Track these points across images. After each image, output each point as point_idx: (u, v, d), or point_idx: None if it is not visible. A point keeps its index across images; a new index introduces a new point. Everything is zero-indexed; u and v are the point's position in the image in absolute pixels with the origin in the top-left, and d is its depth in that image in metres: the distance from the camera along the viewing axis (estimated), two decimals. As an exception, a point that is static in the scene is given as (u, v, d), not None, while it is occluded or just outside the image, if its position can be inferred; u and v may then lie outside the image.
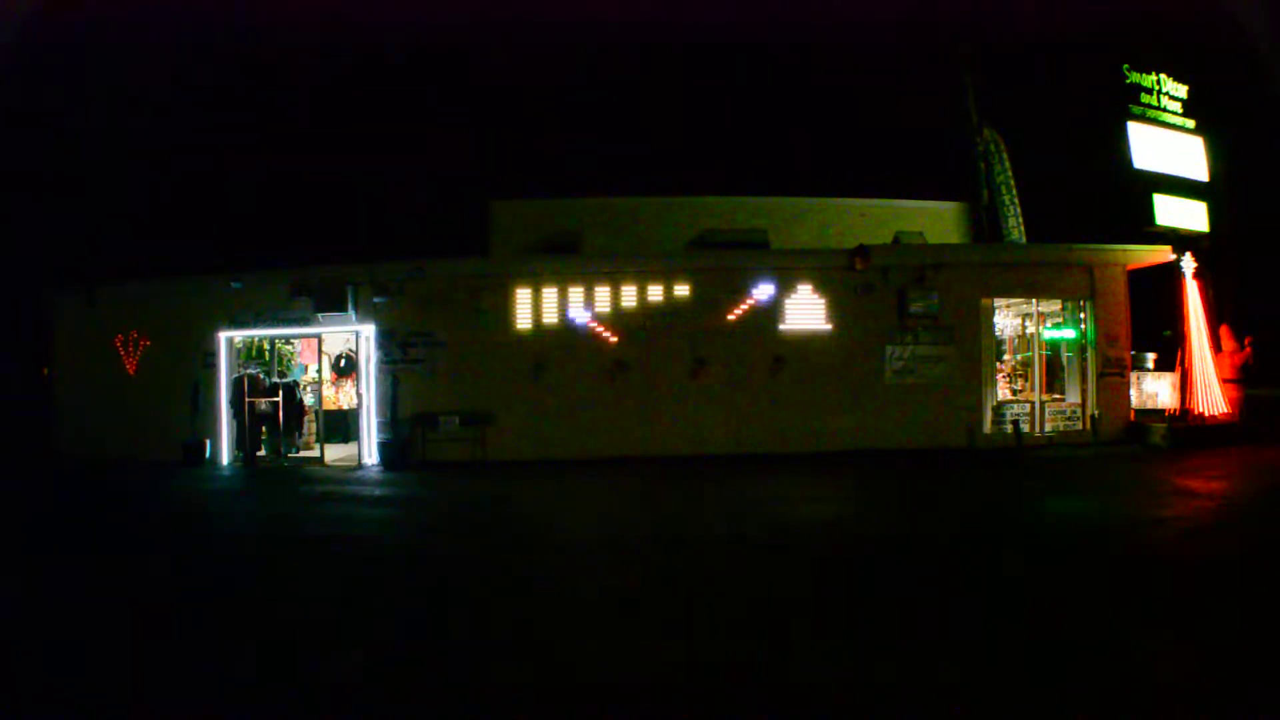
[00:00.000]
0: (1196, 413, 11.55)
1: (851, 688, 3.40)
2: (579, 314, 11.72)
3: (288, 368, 13.68)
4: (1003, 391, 12.51)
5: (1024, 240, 15.36)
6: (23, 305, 14.99)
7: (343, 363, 14.22)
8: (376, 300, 11.83)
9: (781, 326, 11.75)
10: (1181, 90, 12.30)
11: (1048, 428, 11.99)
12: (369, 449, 11.77)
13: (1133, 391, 12.46)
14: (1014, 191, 15.82)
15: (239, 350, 12.59)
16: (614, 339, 11.67)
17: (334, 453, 12.63)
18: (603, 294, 11.80)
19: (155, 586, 5.40)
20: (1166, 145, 12.11)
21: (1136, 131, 11.82)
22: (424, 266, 11.83)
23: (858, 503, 8.28)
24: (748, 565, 5.59)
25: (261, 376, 12.31)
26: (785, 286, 11.76)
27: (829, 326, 11.75)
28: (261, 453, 12.31)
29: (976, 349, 11.81)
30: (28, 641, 4.29)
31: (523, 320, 11.82)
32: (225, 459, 12.09)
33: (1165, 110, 12.15)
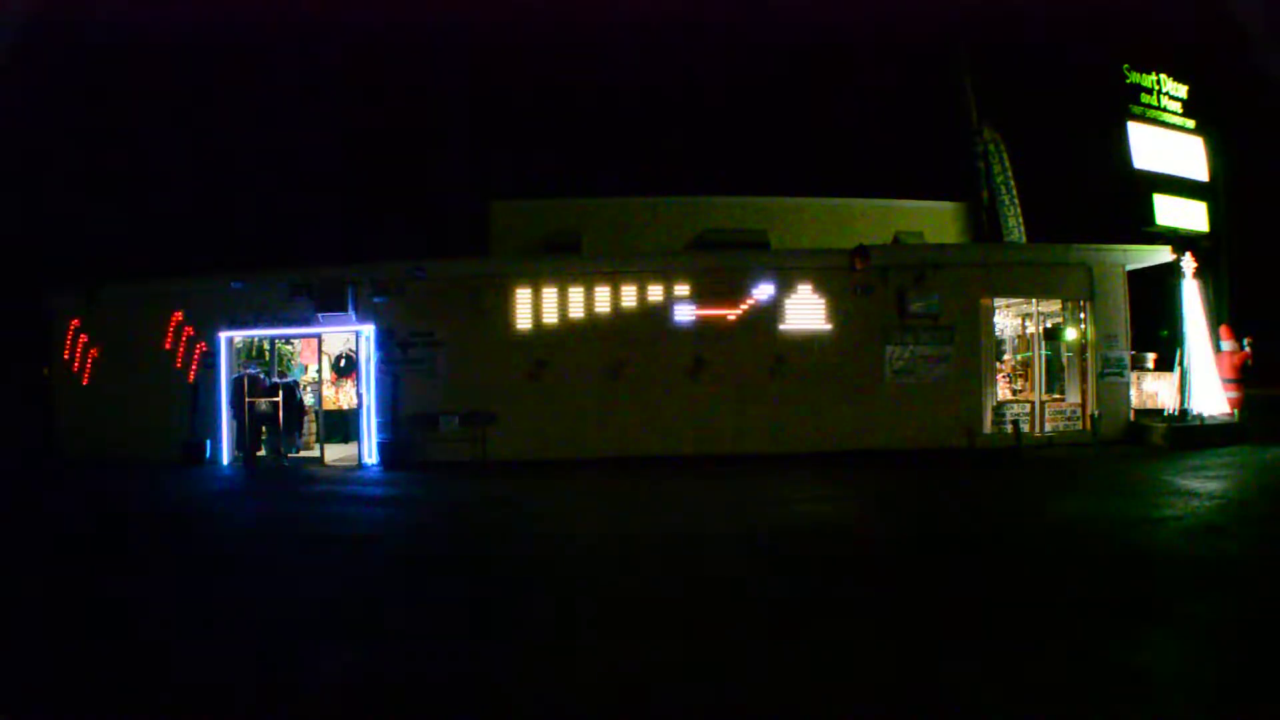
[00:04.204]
0: (1196, 413, 11.54)
1: (855, 687, 3.41)
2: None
3: (288, 368, 13.68)
4: (1003, 391, 12.51)
5: (1024, 240, 15.36)
6: (23, 305, 14.99)
7: (343, 363, 14.23)
8: (376, 300, 11.83)
9: (781, 326, 11.75)
10: (1181, 90, 12.28)
11: (1048, 428, 11.98)
12: (369, 449, 11.77)
13: (1133, 391, 12.45)
14: (1014, 191, 15.82)
15: (239, 350, 12.58)
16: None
17: (334, 453, 12.63)
18: (603, 294, 11.80)
19: (153, 586, 5.40)
20: (1166, 145, 12.09)
21: (1136, 131, 11.80)
22: (424, 266, 11.83)
23: (859, 503, 8.28)
24: (749, 567, 5.59)
25: (261, 376, 12.30)
26: (785, 286, 11.76)
27: (829, 326, 11.75)
28: (261, 453, 12.30)
29: (976, 349, 11.80)
30: (25, 640, 4.29)
31: (523, 320, 11.81)
32: (225, 459, 12.09)
33: (1165, 110, 12.13)
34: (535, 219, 15.16)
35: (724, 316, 11.74)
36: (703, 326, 11.71)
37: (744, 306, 11.76)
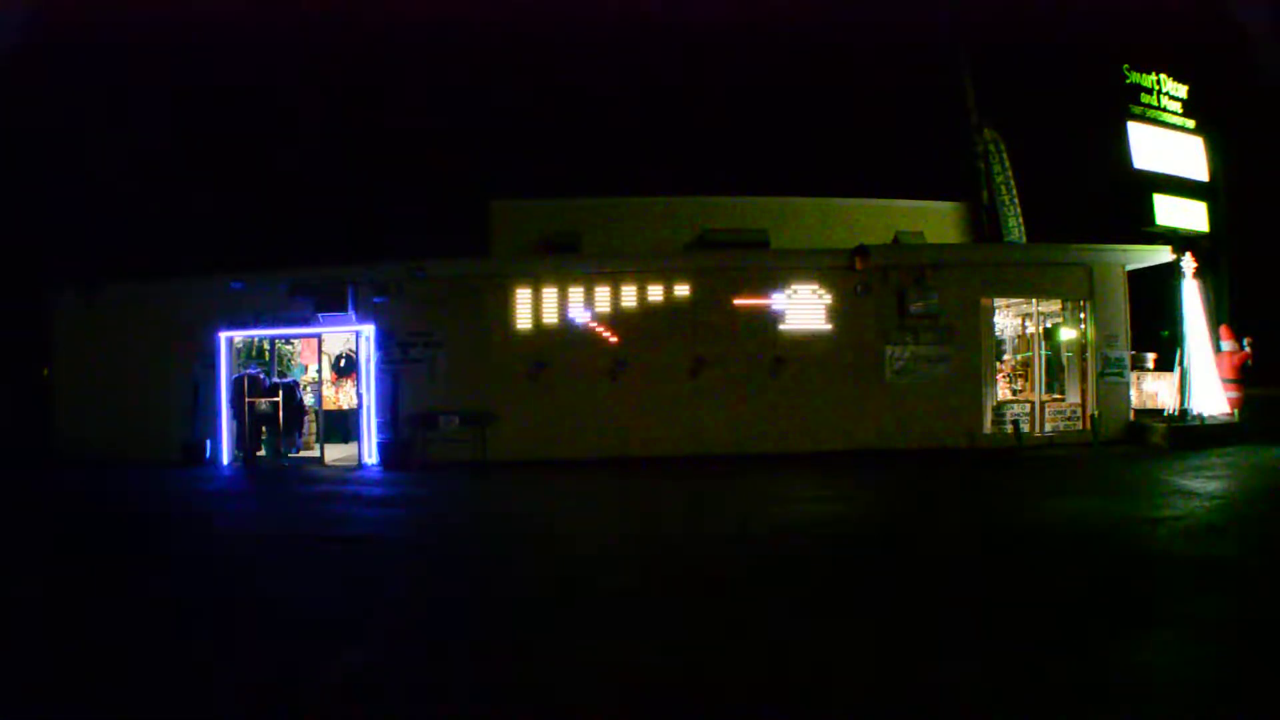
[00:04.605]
0: (1196, 413, 11.54)
1: (853, 685, 3.41)
2: (580, 314, 11.70)
3: (288, 368, 13.68)
4: (1003, 391, 12.51)
5: (1024, 240, 15.36)
6: (23, 305, 14.98)
7: (343, 363, 14.23)
8: (376, 300, 11.83)
9: (781, 326, 11.75)
10: (1181, 90, 12.28)
11: (1048, 428, 11.99)
12: (369, 449, 11.77)
13: (1133, 391, 12.45)
14: (1014, 191, 15.82)
15: (239, 350, 12.58)
16: (614, 339, 11.64)
17: (334, 453, 12.64)
18: (603, 294, 11.80)
19: (152, 586, 5.40)
20: (1166, 145, 12.10)
21: (1136, 131, 11.81)
22: (424, 266, 11.83)
23: (858, 504, 8.28)
24: (748, 567, 5.59)
25: (261, 376, 12.31)
26: (785, 286, 11.76)
27: (829, 326, 11.75)
28: (261, 453, 12.30)
29: (976, 349, 11.81)
30: (22, 641, 4.29)
31: (523, 320, 11.82)
32: (225, 459, 12.09)
33: (1165, 110, 12.13)
34: (535, 219, 15.14)
35: (724, 316, 11.74)
36: (703, 326, 11.71)
37: (744, 306, 11.76)
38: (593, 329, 11.75)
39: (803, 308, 11.77)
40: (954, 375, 11.70)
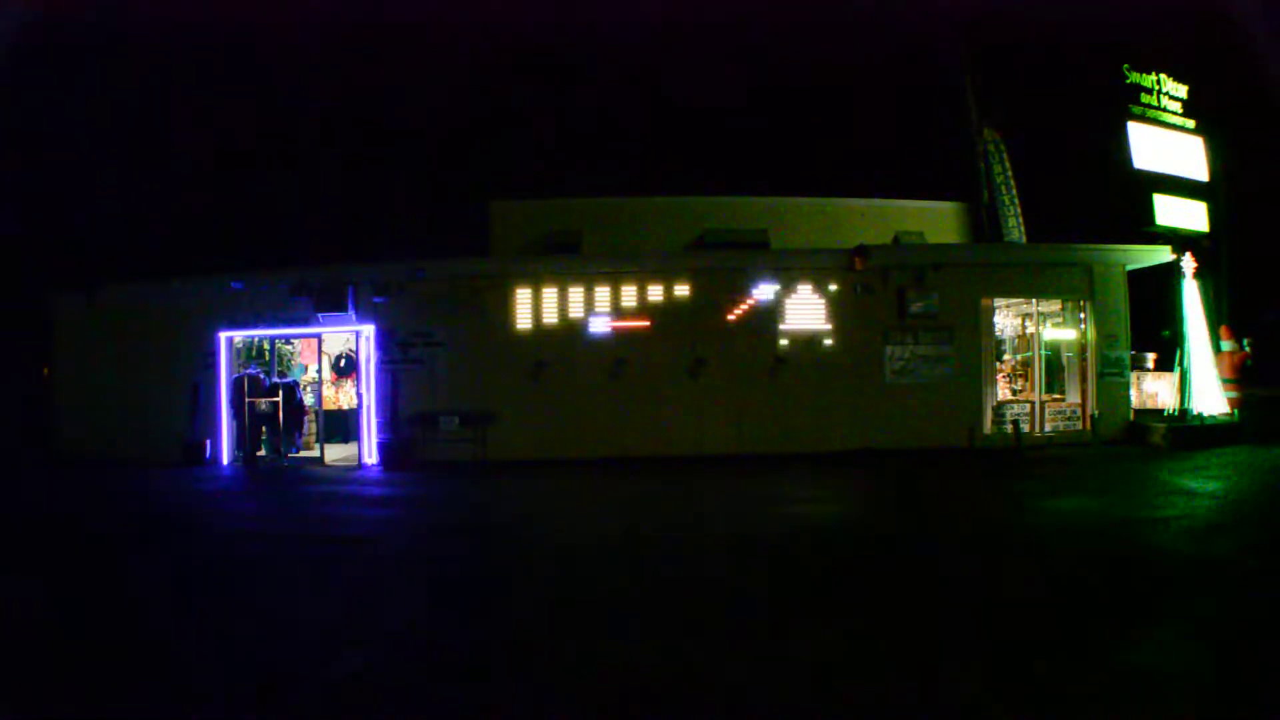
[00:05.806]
0: (1196, 413, 11.54)
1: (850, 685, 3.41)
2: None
3: (288, 368, 13.68)
4: (1003, 391, 12.50)
5: (1024, 240, 15.36)
6: (23, 305, 14.99)
7: (343, 363, 14.23)
8: (376, 300, 11.83)
9: (781, 326, 11.74)
10: (1181, 90, 12.28)
11: (1048, 428, 11.98)
12: (369, 449, 11.77)
13: (1133, 391, 12.45)
14: (1014, 191, 15.82)
15: (239, 350, 12.58)
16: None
17: (334, 453, 12.63)
18: (603, 294, 11.79)
19: (152, 586, 5.40)
20: (1166, 145, 12.09)
21: (1136, 131, 11.80)
22: (424, 267, 11.83)
23: (858, 504, 8.29)
24: (748, 567, 5.59)
25: (261, 376, 12.30)
26: (785, 286, 11.76)
27: (829, 326, 11.75)
28: (261, 453, 12.30)
29: (976, 349, 11.80)
30: (24, 641, 4.29)
31: (523, 320, 11.81)
32: (225, 459, 12.09)
33: (1165, 110, 12.12)
34: (535, 219, 15.15)
35: (724, 316, 11.74)
36: (702, 326, 11.70)
37: (744, 306, 11.76)
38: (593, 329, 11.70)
39: (803, 308, 11.76)
40: (954, 375, 11.69)
